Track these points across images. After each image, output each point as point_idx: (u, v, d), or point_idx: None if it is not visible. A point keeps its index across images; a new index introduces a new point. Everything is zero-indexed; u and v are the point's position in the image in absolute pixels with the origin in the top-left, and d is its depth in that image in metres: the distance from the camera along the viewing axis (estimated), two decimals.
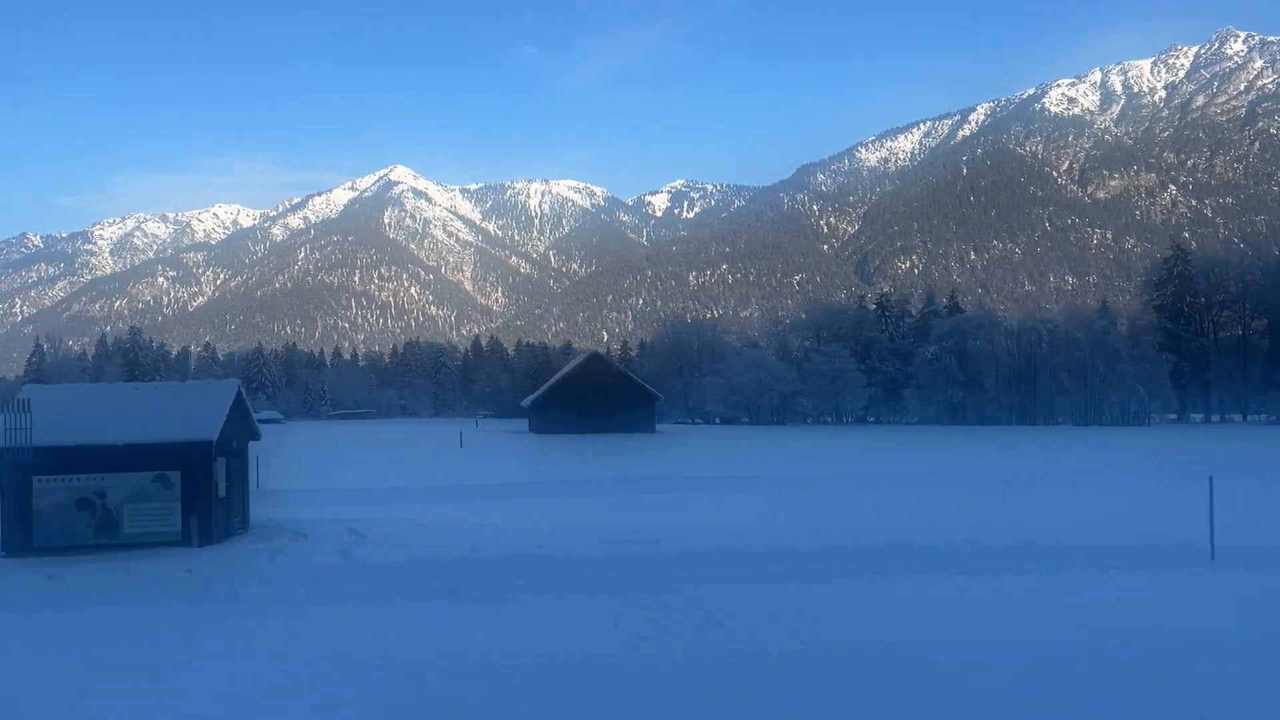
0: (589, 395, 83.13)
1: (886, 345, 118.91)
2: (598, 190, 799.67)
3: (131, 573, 18.11)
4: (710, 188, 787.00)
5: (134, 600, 16.08)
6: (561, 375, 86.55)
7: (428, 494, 34.19)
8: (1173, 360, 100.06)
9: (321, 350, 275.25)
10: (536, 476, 40.71)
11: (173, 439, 20.91)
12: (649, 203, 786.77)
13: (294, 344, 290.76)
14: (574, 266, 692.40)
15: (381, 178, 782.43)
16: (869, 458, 54.44)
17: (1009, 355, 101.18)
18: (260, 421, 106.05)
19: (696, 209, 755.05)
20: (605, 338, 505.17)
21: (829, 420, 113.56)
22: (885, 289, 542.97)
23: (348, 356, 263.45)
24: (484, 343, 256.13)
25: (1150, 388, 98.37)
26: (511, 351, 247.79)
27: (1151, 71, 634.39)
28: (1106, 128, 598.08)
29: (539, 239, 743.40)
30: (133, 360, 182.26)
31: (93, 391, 23.19)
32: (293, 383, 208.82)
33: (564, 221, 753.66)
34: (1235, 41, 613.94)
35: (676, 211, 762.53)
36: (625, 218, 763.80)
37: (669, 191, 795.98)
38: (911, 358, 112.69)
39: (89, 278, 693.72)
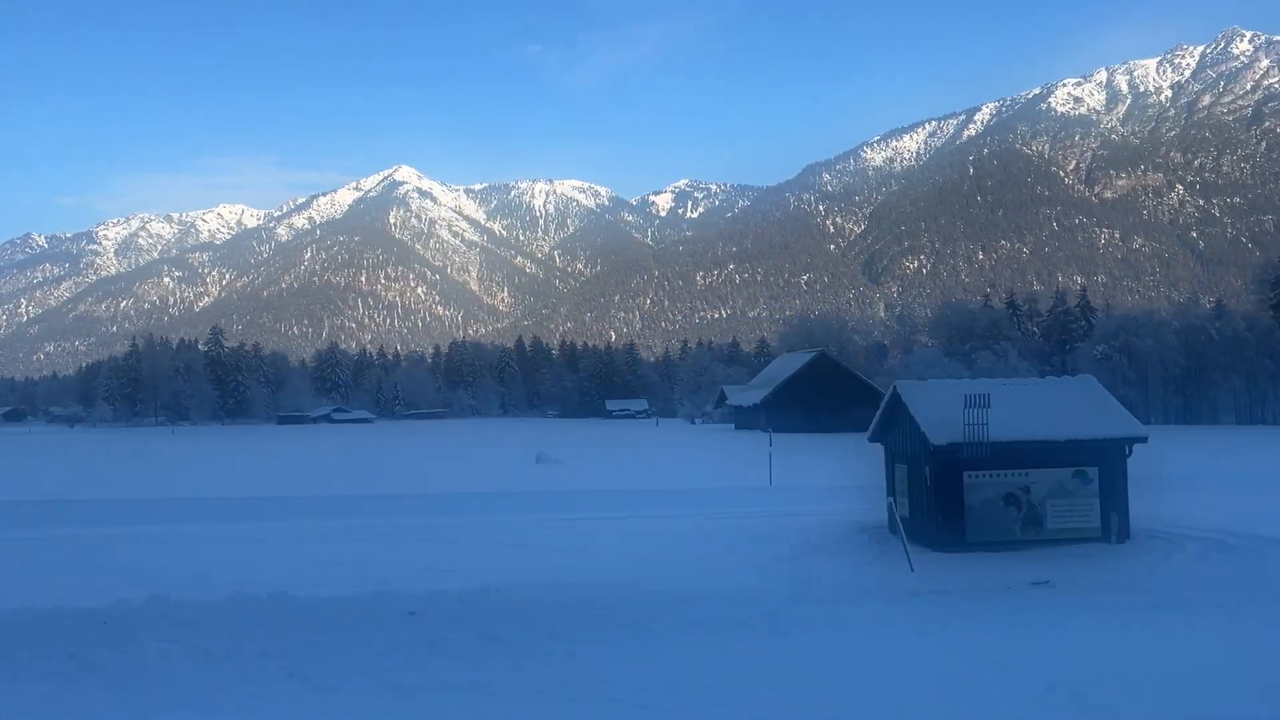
0: (818, 394, 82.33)
1: (1021, 345, 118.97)
2: (602, 190, 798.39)
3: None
4: (714, 187, 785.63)
5: None
6: (791, 375, 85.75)
7: None
8: None
9: (366, 349, 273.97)
10: None
11: (1099, 435, 20.90)
12: (653, 202, 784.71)
13: (336, 343, 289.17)
14: (579, 266, 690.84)
15: (386, 178, 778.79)
16: (1203, 455, 53.05)
17: (1175, 353, 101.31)
18: (351, 421, 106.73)
19: (700, 209, 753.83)
20: (613, 337, 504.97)
21: None
22: (893, 289, 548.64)
23: (387, 357, 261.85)
24: (526, 344, 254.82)
25: None
26: (556, 352, 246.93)
27: (1157, 71, 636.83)
28: (1113, 127, 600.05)
29: (544, 239, 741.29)
30: (214, 359, 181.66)
31: (987, 387, 22.98)
32: (361, 382, 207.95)
33: (569, 221, 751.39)
34: (1241, 41, 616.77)
35: (680, 211, 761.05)
36: (629, 217, 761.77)
37: (673, 191, 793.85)
38: (1049, 357, 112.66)
39: (94, 278, 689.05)
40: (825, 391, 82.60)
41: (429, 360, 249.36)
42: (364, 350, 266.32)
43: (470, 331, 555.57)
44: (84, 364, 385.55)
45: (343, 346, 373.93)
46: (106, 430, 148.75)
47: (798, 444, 64.02)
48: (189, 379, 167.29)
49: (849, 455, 41.92)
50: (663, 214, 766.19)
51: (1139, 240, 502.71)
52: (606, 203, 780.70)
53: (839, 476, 38.92)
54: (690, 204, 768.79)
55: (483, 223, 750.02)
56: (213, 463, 58.97)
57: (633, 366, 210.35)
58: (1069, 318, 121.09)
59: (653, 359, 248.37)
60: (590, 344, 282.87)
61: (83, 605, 14.65)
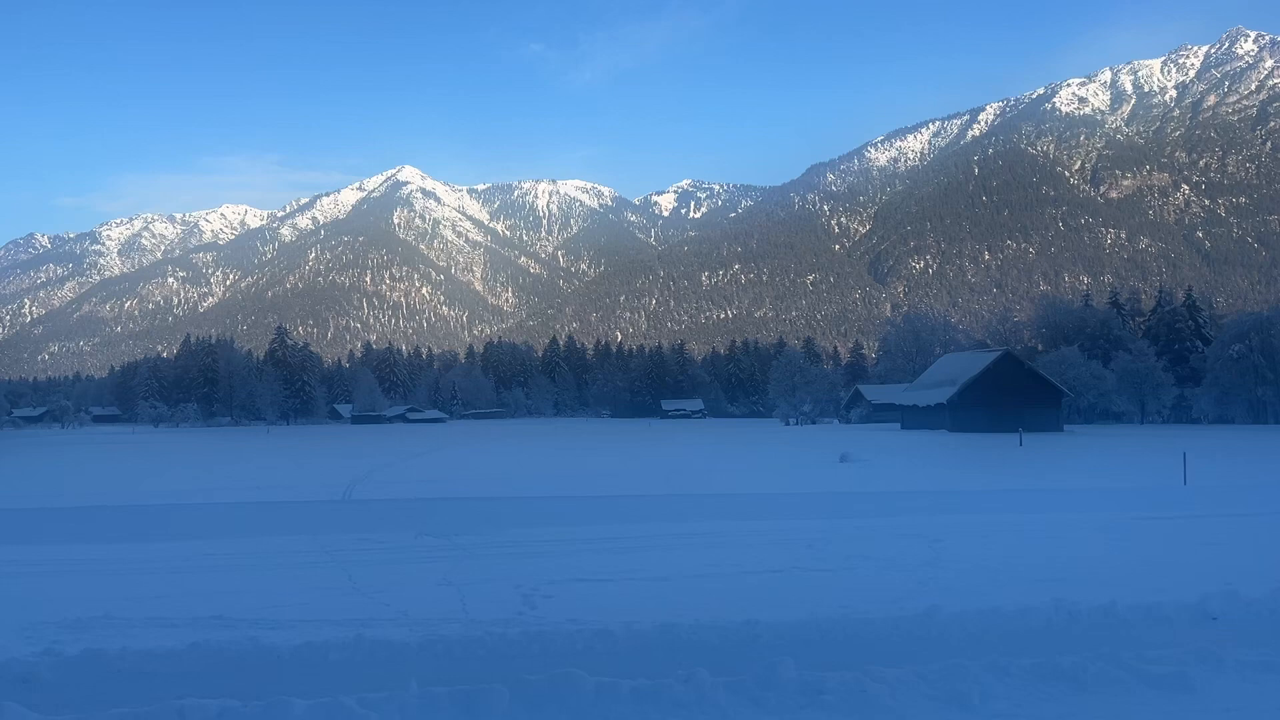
0: (1002, 394, 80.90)
1: (1130, 343, 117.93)
2: (605, 190, 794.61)
3: None
4: (717, 187, 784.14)
5: None
6: (976, 374, 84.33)
7: None
8: None
9: (392, 349, 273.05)
10: None
11: None
12: (656, 202, 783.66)
13: (370, 342, 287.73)
14: (583, 266, 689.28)
15: (389, 178, 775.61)
16: None
17: None
18: (425, 420, 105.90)
19: (703, 209, 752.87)
20: (619, 338, 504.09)
21: (1136, 419, 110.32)
22: (900, 289, 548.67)
23: (421, 356, 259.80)
24: (560, 343, 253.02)
25: None
26: (590, 353, 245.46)
27: (1162, 71, 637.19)
28: (1117, 127, 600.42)
29: (547, 239, 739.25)
30: (279, 359, 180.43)
31: None
32: (417, 382, 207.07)
33: (572, 222, 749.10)
34: (1245, 41, 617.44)
35: (683, 211, 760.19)
36: (633, 217, 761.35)
37: (675, 191, 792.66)
38: (1159, 355, 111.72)
39: (98, 278, 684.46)
40: (1008, 391, 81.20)
41: (463, 360, 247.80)
42: (409, 350, 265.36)
43: (476, 332, 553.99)
44: (106, 365, 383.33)
45: (349, 347, 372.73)
46: (191, 430, 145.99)
47: (1020, 443, 62.45)
48: (261, 379, 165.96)
49: (1146, 452, 39.88)
50: (665, 214, 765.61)
51: (1145, 240, 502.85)
52: (610, 203, 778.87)
53: (1238, 476, 37.48)
54: (693, 204, 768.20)
55: (486, 223, 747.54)
56: (484, 460, 56.27)
57: (683, 366, 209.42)
58: (1175, 317, 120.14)
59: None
60: (613, 344, 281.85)
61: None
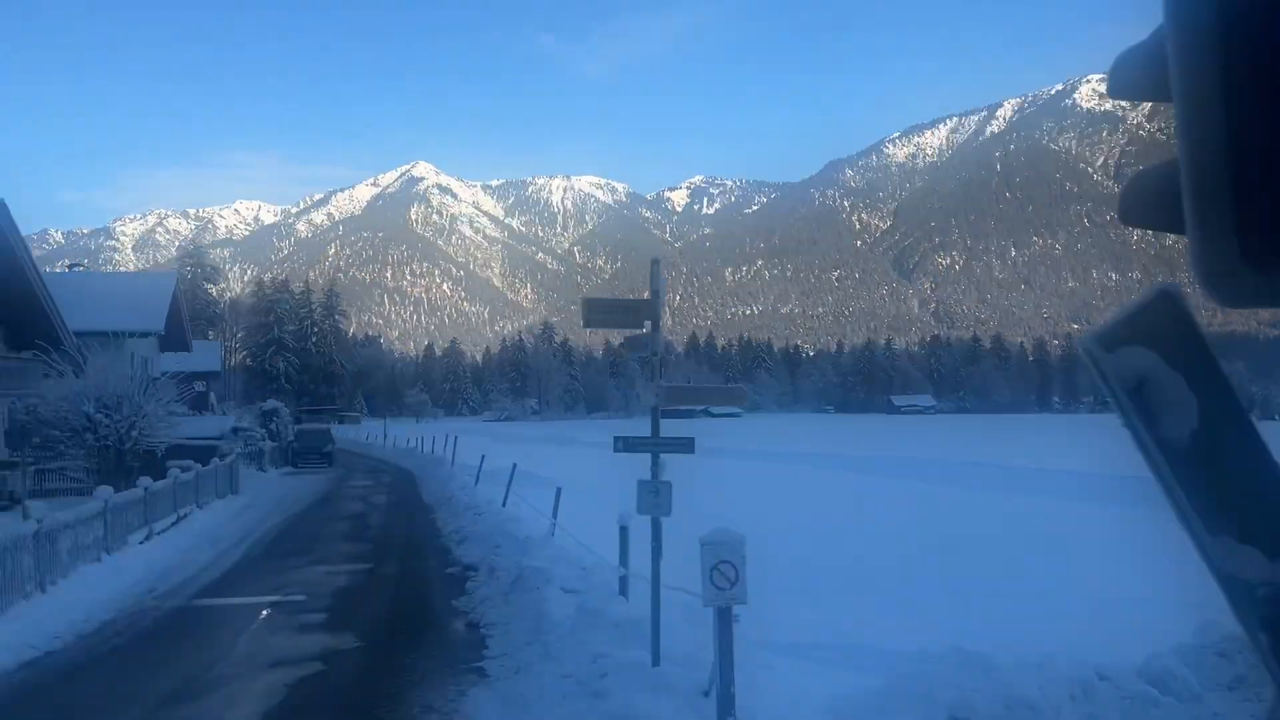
0: None
1: None
2: (619, 186, 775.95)
3: None
4: (729, 183, 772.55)
5: None
6: None
7: None
8: None
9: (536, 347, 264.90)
10: None
11: None
12: (668, 198, 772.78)
13: (393, 339, 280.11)
14: (600, 262, 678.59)
15: (404, 174, 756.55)
16: None
17: None
18: (724, 415, 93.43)
19: (716, 205, 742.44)
20: None
21: None
22: (926, 285, 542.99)
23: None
24: (700, 339, 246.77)
25: None
26: (811, 351, 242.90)
27: None
28: (1139, 124, 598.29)
29: (563, 235, 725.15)
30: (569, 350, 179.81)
31: None
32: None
33: (587, 217, 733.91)
34: None
35: (696, 207, 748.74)
36: (647, 213, 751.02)
37: (688, 187, 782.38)
38: None
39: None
40: None
41: (599, 354, 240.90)
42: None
43: (497, 328, 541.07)
44: None
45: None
46: (560, 423, 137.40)
47: None
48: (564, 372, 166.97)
49: None
50: (679, 210, 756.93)
51: (1173, 236, 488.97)
52: (624, 199, 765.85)
53: None
54: (706, 200, 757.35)
55: (502, 219, 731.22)
56: None
57: (891, 360, 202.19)
58: None
59: None
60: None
61: None
